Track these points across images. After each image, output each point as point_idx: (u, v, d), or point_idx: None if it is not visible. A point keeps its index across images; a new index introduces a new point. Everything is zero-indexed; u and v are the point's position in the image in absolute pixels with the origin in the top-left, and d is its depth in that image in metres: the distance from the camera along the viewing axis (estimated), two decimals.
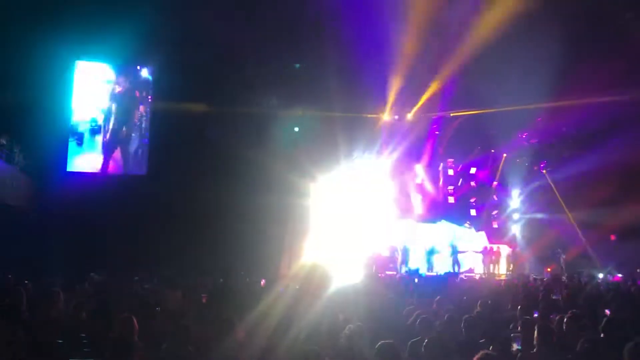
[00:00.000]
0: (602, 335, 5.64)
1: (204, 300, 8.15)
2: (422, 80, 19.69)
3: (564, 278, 15.53)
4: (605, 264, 20.88)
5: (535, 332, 5.34)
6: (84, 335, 6.29)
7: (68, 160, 18.42)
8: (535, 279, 17.03)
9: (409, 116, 22.25)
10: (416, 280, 14.83)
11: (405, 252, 21.17)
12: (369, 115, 21.07)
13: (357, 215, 21.05)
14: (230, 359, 4.39)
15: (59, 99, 18.11)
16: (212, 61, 17.40)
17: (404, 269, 20.15)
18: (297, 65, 18.03)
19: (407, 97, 21.29)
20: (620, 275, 19.78)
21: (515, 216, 25.25)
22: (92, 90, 18.67)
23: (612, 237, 21.59)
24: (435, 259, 21.37)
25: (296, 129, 19.74)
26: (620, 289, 12.70)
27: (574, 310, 6.68)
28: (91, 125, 18.70)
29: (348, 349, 4.91)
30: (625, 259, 20.41)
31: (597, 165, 20.23)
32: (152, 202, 17.22)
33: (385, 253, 21.16)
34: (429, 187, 24.61)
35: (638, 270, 19.38)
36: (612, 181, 20.57)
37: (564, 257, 21.60)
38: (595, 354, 5.09)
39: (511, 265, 22.63)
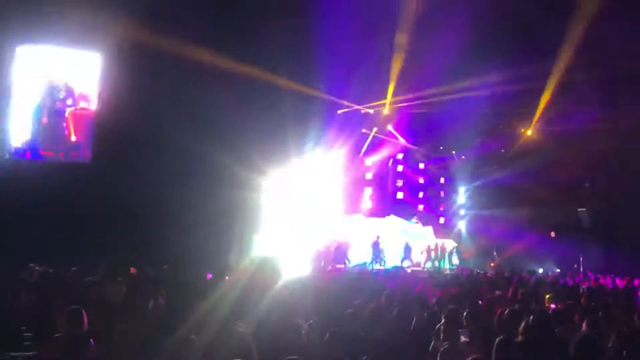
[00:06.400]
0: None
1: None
2: (376, 73, 19.82)
3: (506, 273, 16.00)
4: (544, 259, 21.73)
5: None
6: (24, 328, 6.07)
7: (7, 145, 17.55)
8: (478, 273, 17.52)
9: (362, 110, 22.38)
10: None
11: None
12: (322, 109, 21.01)
13: (307, 209, 21.07)
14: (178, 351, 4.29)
15: None
16: (168, 49, 16.87)
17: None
18: None
19: (360, 90, 21.38)
20: (558, 270, 20.62)
21: (461, 212, 25.88)
22: (34, 75, 17.81)
23: (552, 234, 22.43)
24: (383, 253, 21.65)
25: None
26: (559, 283, 13.24)
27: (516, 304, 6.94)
28: (32, 112, 17.88)
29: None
30: (563, 255, 21.31)
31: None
32: (96, 192, 16.63)
33: (335, 246, 21.26)
34: (378, 182, 24.91)
35: (575, 266, 20.25)
36: (552, 181, 21.42)
37: (498, 256, 22.44)
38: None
39: (456, 260, 23.20)
